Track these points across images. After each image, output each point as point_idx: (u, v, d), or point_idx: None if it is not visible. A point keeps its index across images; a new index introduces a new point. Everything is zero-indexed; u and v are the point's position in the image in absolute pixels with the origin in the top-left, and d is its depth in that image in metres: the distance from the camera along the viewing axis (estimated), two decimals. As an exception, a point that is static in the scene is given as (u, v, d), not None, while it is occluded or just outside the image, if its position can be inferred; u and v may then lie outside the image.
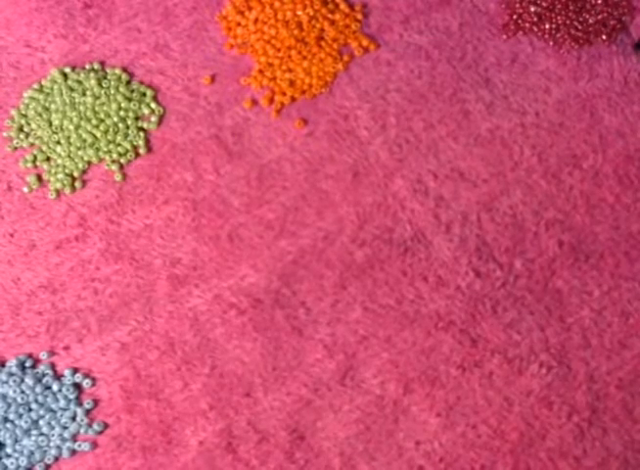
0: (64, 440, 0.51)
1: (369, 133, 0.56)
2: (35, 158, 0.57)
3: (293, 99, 0.57)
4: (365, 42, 0.58)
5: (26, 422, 0.51)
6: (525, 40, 0.58)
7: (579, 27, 0.57)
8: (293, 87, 0.57)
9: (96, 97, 0.58)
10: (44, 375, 0.52)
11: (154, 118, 0.57)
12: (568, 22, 0.58)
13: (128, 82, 0.58)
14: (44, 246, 0.55)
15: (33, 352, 0.53)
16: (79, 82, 0.58)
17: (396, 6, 0.59)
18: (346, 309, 0.53)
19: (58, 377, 0.52)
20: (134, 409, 0.52)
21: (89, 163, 0.57)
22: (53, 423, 0.51)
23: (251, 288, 0.54)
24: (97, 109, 0.57)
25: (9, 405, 0.52)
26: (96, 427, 0.51)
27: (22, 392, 0.52)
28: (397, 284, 0.53)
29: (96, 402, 0.52)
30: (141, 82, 0.58)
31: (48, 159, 0.57)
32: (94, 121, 0.57)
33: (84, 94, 0.58)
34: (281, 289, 0.54)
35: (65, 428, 0.51)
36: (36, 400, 0.52)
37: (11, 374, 0.52)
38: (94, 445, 0.51)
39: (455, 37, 0.58)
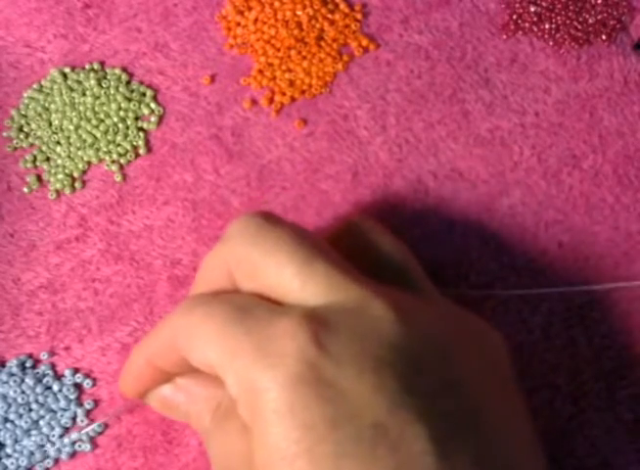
0: (64, 440, 0.51)
1: (369, 133, 0.56)
2: (35, 158, 0.57)
3: (292, 99, 0.57)
4: (365, 42, 0.58)
5: (27, 422, 0.51)
6: (524, 40, 0.58)
7: (579, 27, 0.57)
8: (292, 87, 0.57)
9: (96, 97, 0.58)
10: (44, 375, 0.52)
11: (153, 119, 0.57)
12: (567, 21, 0.58)
13: (128, 82, 0.58)
14: (44, 246, 0.55)
15: (34, 353, 0.53)
16: (79, 82, 0.58)
17: (396, 6, 0.59)
18: (346, 310, 0.53)
19: (58, 377, 0.52)
20: (134, 409, 0.52)
21: (89, 163, 0.57)
22: (53, 423, 0.51)
23: (251, 288, 0.54)
24: (97, 109, 0.57)
25: (9, 406, 0.52)
26: (96, 427, 0.51)
27: (23, 392, 0.52)
28: (397, 284, 0.53)
29: (96, 403, 0.52)
30: (141, 82, 0.58)
31: (48, 159, 0.57)
32: (94, 122, 0.57)
33: (84, 94, 0.58)
34: (281, 289, 0.54)
35: (65, 428, 0.51)
36: (37, 401, 0.52)
37: (11, 374, 0.52)
38: (94, 445, 0.51)
39: (455, 37, 0.58)
